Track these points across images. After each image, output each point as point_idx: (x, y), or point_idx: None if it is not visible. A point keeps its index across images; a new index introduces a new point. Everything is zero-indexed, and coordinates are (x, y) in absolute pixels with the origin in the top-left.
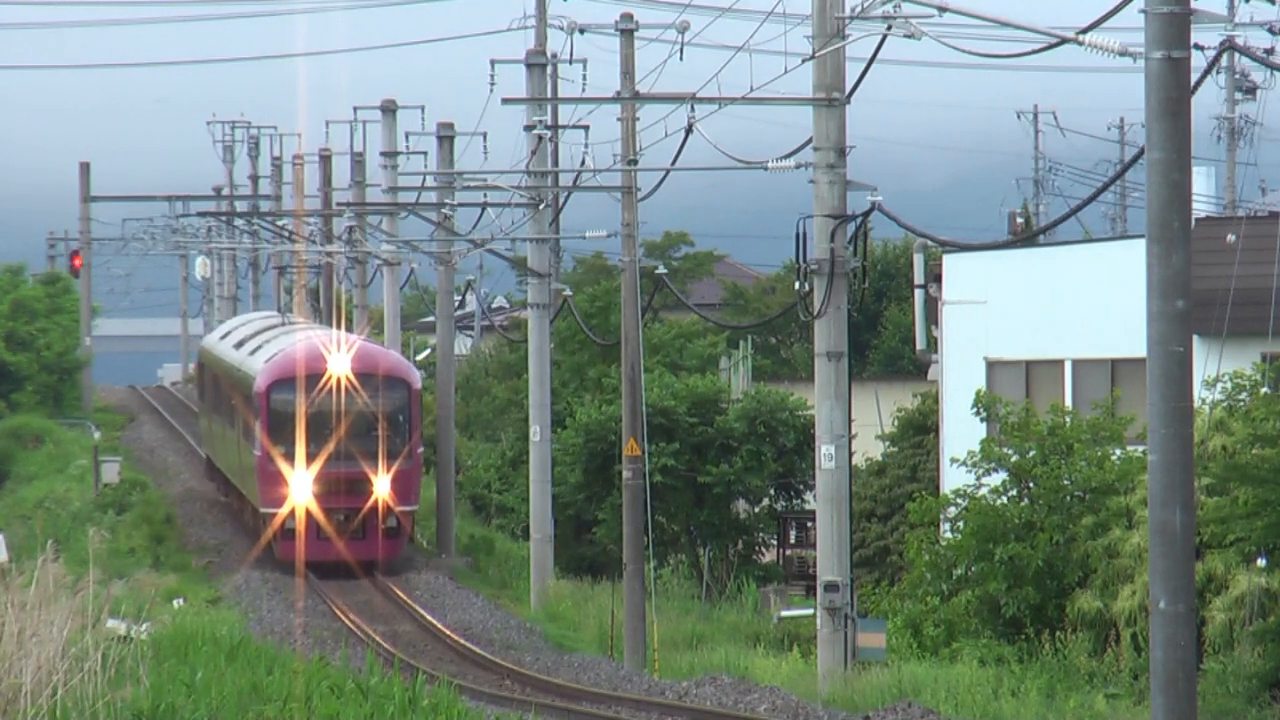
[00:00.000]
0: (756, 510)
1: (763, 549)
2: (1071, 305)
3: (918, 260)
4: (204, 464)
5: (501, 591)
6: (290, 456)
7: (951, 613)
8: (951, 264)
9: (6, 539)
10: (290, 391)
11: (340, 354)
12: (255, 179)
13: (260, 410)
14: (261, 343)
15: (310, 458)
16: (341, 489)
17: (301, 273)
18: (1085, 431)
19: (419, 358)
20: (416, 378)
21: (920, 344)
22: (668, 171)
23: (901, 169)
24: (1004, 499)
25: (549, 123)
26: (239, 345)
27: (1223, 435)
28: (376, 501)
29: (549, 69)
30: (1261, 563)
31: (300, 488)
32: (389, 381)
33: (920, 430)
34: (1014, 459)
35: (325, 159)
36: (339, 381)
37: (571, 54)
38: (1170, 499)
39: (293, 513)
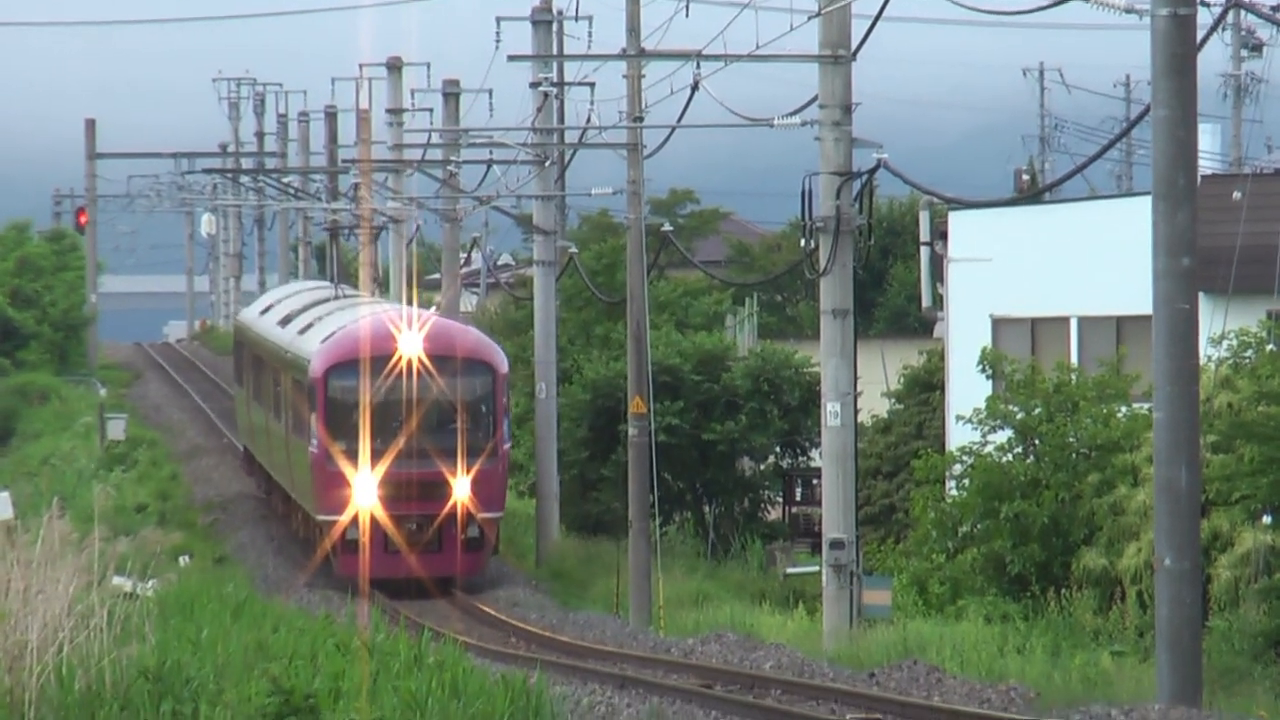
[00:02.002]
0: (762, 468)
1: (768, 507)
2: (1077, 262)
3: (924, 218)
4: (241, 457)
5: (507, 548)
6: (352, 454)
7: (957, 570)
8: (957, 221)
9: (12, 496)
10: (352, 377)
11: (411, 332)
12: (261, 136)
13: (316, 399)
14: (313, 319)
15: (376, 455)
16: (413, 492)
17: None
18: (1091, 389)
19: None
20: (502, 360)
21: (926, 301)
22: (673, 129)
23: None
24: (1009, 456)
25: (555, 80)
26: (285, 321)
27: (1228, 393)
28: (455, 507)
29: (555, 26)
30: (1267, 520)
31: (364, 491)
32: (469, 365)
33: (926, 388)
34: (1020, 416)
35: (331, 116)
36: (410, 365)
37: (577, 11)
38: (1176, 456)
39: (355, 520)
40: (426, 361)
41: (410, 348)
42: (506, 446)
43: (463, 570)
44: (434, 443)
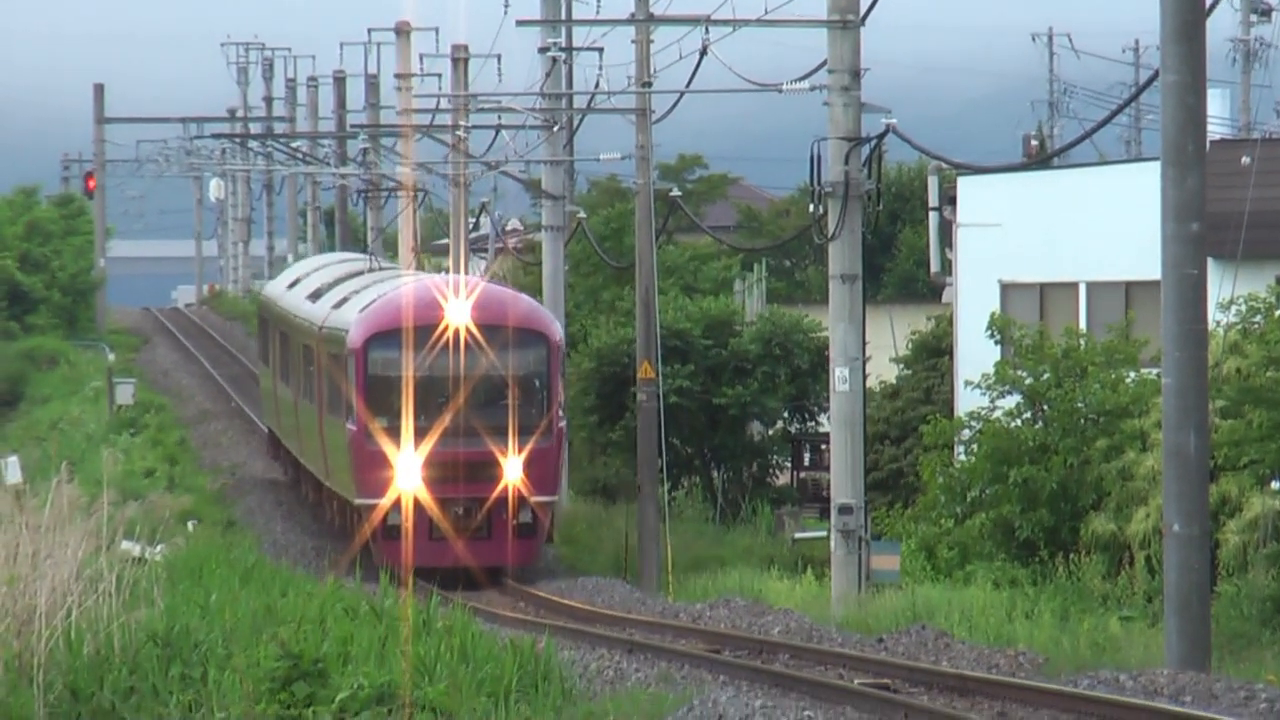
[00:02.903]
0: (770, 433)
1: (777, 471)
2: (1086, 228)
3: (932, 183)
4: (265, 440)
5: None
6: (394, 432)
7: (965, 535)
8: (966, 187)
9: (21, 460)
10: (394, 348)
11: (458, 299)
12: (269, 101)
13: (355, 372)
14: (350, 292)
15: (420, 433)
16: (460, 474)
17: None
18: (1100, 354)
19: None
20: (557, 330)
21: (934, 267)
22: (681, 94)
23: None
24: (1018, 422)
25: (563, 45)
26: (316, 296)
27: (1237, 358)
28: (506, 489)
29: None
30: (1276, 485)
31: (407, 472)
32: (522, 335)
33: (934, 353)
34: (1028, 382)
35: (339, 81)
36: (458, 335)
37: None
38: (1184, 422)
39: (397, 504)
40: (475, 331)
41: (458, 316)
42: (562, 424)
43: (514, 559)
44: (483, 419)
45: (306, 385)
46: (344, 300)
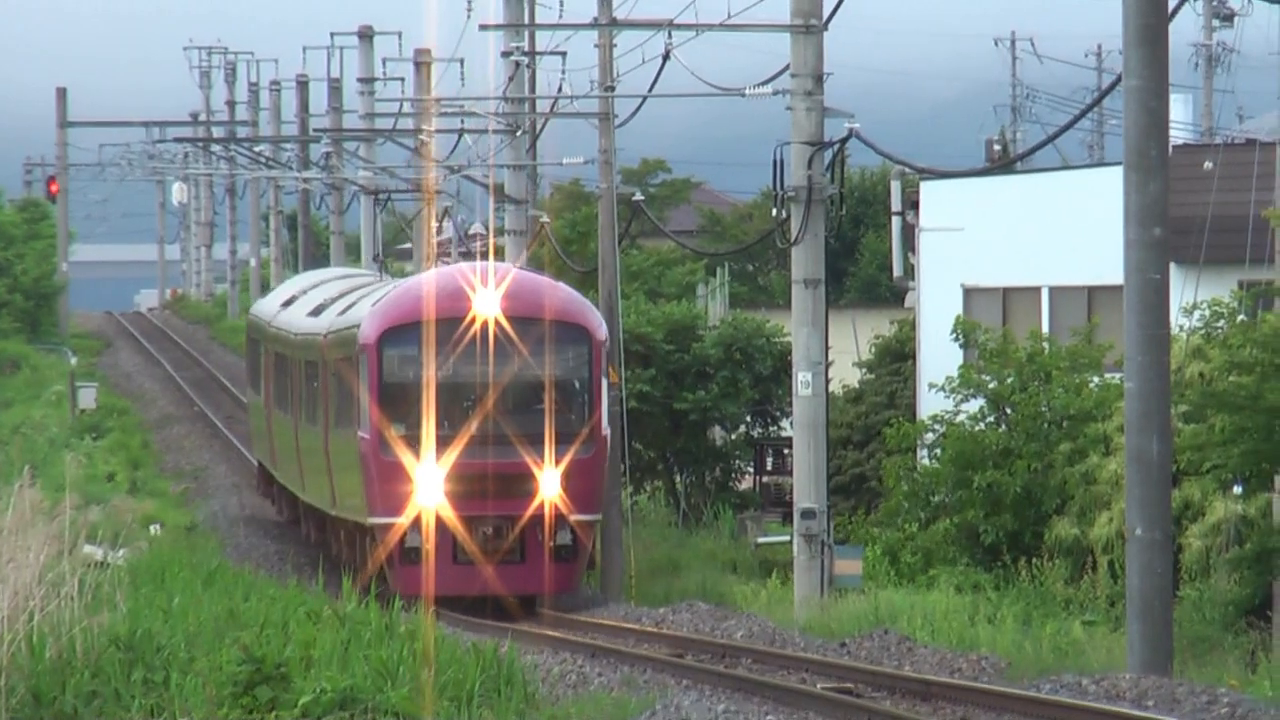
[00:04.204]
0: (733, 437)
1: (739, 476)
2: (1049, 232)
3: (895, 187)
4: (256, 474)
5: None
6: (413, 441)
7: (929, 540)
8: (929, 191)
9: None
10: (413, 344)
11: (487, 289)
12: (232, 105)
13: (368, 372)
14: (358, 299)
15: (443, 442)
16: (489, 488)
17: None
18: (1063, 358)
19: None
20: (600, 324)
21: (897, 271)
22: (644, 98)
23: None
24: (982, 426)
25: (526, 49)
26: (318, 311)
27: (1200, 362)
28: (542, 506)
29: None
30: (1238, 490)
31: (428, 487)
32: (561, 329)
33: (897, 357)
34: (992, 385)
35: (302, 85)
36: (486, 329)
37: None
38: (1147, 426)
39: (417, 523)
40: (507, 324)
41: (487, 307)
42: (606, 432)
43: (552, 586)
44: (516, 426)
45: (309, 406)
46: (352, 305)
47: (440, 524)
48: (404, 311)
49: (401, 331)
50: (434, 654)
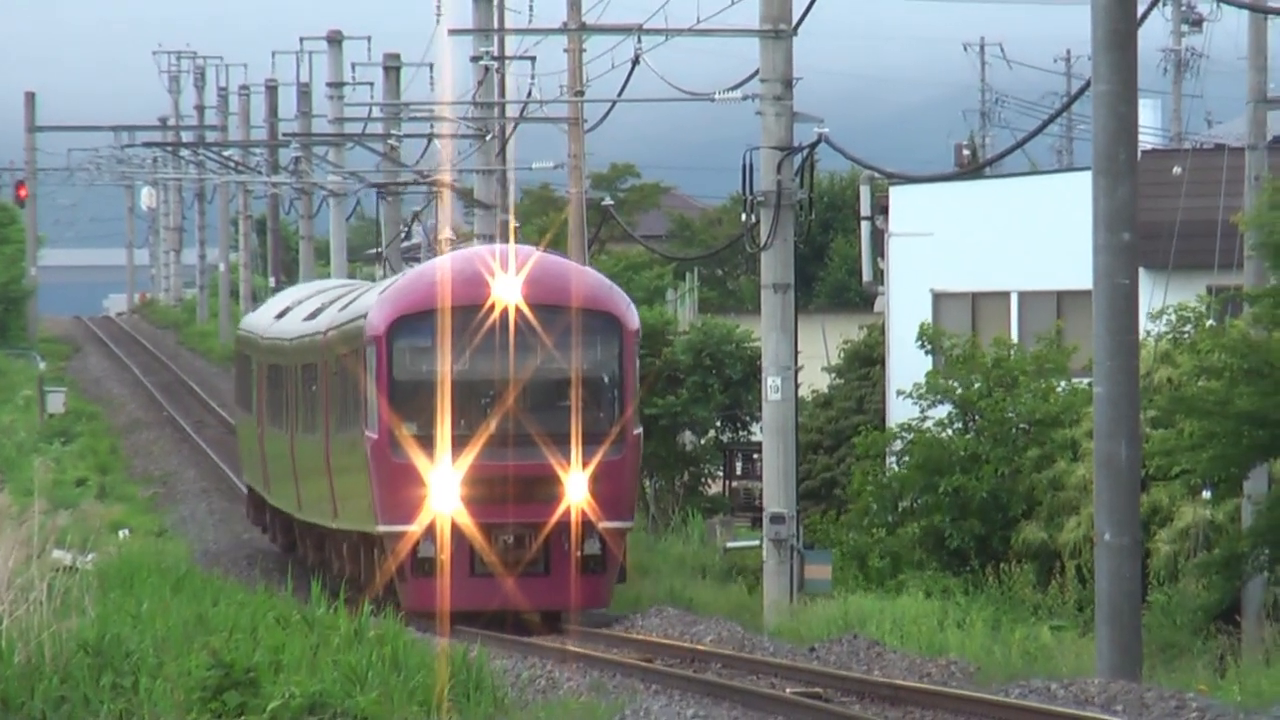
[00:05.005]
0: (703, 442)
1: (709, 480)
2: (1018, 237)
3: (864, 192)
4: (246, 501)
5: None
6: (426, 441)
7: (897, 544)
8: (898, 196)
9: None
10: (426, 334)
11: (507, 274)
12: (201, 110)
13: (377, 365)
14: (362, 293)
15: (459, 442)
16: (510, 493)
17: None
18: (1030, 364)
19: None
20: (632, 313)
21: (866, 276)
22: (614, 103)
23: (849, 101)
24: (949, 431)
25: (496, 54)
26: (313, 316)
27: (1168, 367)
28: (568, 513)
29: (495, 0)
30: (1206, 495)
31: (443, 491)
32: (590, 318)
33: (866, 362)
34: (959, 391)
35: (271, 90)
36: (507, 317)
37: None
38: (1116, 431)
39: (431, 531)
40: (529, 312)
41: (507, 293)
42: (637, 431)
43: (579, 601)
44: (539, 425)
45: (307, 413)
46: (353, 302)
47: (456, 532)
48: (416, 299)
49: (413, 321)
50: (404, 658)
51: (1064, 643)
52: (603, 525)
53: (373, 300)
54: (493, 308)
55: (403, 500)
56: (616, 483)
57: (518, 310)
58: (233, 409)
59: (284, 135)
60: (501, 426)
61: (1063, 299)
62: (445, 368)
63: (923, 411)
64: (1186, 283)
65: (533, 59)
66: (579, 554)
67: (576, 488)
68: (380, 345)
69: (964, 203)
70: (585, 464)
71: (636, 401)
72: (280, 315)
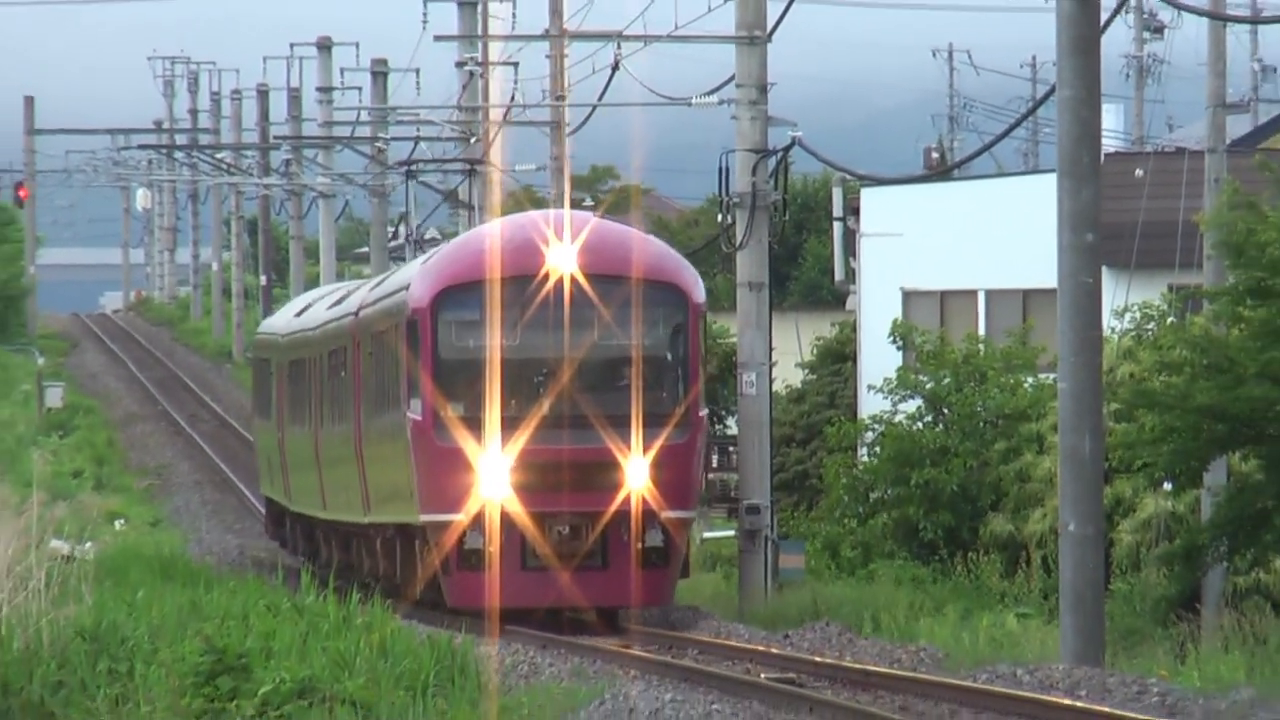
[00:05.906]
0: None
1: None
2: (985, 237)
3: (836, 194)
4: (264, 516)
5: None
6: (473, 423)
7: (868, 535)
8: (869, 197)
9: None
10: (474, 307)
11: (562, 242)
12: (195, 113)
13: (421, 340)
14: (389, 277)
15: (510, 425)
16: (565, 480)
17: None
18: (998, 360)
19: None
20: (698, 285)
21: (839, 275)
22: (594, 107)
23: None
24: (919, 425)
25: (480, 59)
26: (339, 303)
27: (1131, 363)
28: (628, 501)
29: (480, 7)
30: (1167, 487)
31: (492, 477)
32: (653, 289)
33: (838, 358)
34: (929, 386)
35: (263, 94)
36: (562, 288)
37: None
38: (1080, 425)
39: (479, 521)
40: (586, 283)
41: (563, 262)
42: (703, 413)
43: (640, 597)
44: (597, 406)
45: (335, 402)
46: (385, 280)
47: (506, 521)
48: (463, 268)
49: (460, 292)
50: (391, 645)
51: (1030, 630)
52: (665, 515)
53: (414, 271)
54: (546, 278)
55: (448, 487)
56: (681, 469)
57: (574, 281)
58: (249, 423)
59: (275, 138)
60: (556, 407)
61: (1029, 297)
62: (495, 343)
63: (894, 405)
64: (1148, 281)
65: (516, 64)
66: (639, 546)
67: (637, 474)
68: (424, 319)
69: (933, 204)
70: (647, 448)
71: (702, 381)
72: (300, 313)
